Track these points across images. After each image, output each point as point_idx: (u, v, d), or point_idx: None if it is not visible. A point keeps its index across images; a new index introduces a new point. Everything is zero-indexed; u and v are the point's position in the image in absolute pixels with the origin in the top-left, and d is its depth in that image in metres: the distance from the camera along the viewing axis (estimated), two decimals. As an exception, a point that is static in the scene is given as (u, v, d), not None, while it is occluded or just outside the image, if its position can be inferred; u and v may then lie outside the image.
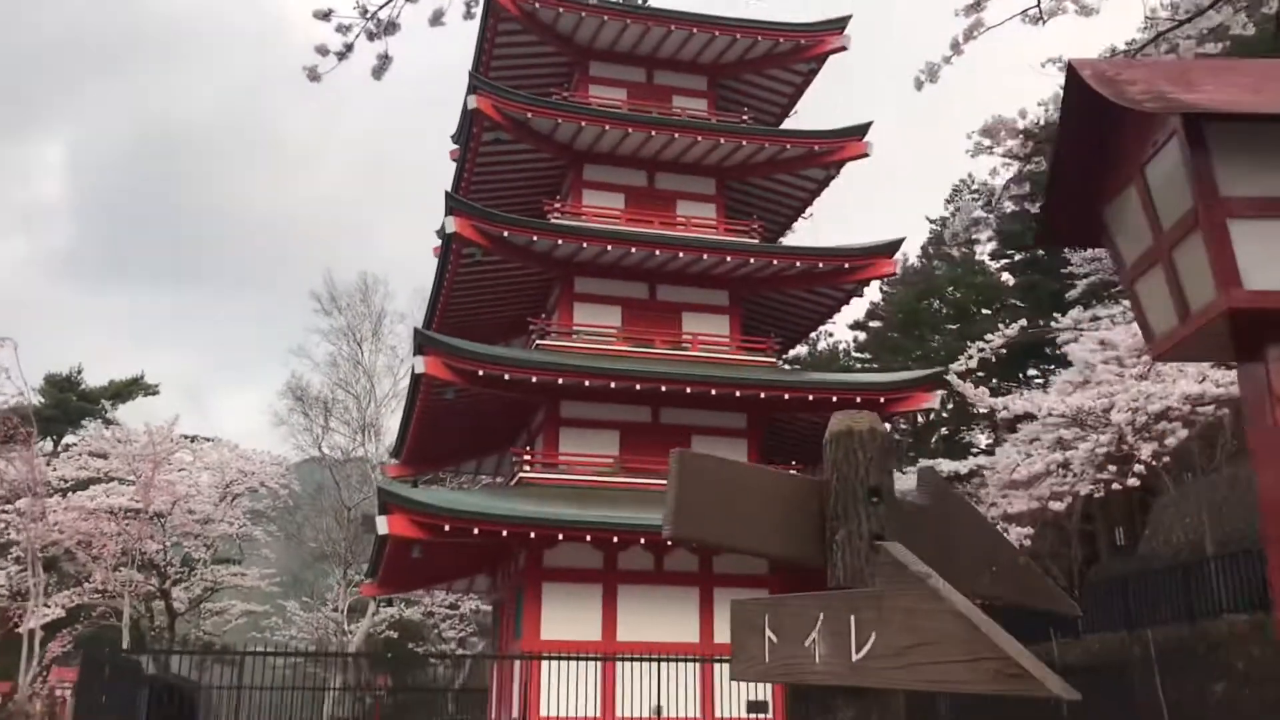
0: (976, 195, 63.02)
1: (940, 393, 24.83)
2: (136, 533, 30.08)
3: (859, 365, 54.72)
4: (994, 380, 47.68)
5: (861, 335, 58.46)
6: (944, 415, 46.89)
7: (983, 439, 51.00)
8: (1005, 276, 55.95)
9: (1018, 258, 55.01)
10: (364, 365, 43.55)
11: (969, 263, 57.81)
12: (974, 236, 62.00)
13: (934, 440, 50.81)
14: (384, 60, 6.81)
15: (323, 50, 6.57)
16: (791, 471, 2.92)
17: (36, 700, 26.95)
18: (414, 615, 44.00)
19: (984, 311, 52.81)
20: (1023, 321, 20.00)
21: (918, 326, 54.69)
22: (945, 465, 33.02)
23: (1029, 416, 40.05)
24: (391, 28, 6.85)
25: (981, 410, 48.28)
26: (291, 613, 43.94)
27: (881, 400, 24.08)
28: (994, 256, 58.01)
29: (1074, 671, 19.09)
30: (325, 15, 6.56)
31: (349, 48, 6.63)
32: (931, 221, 59.81)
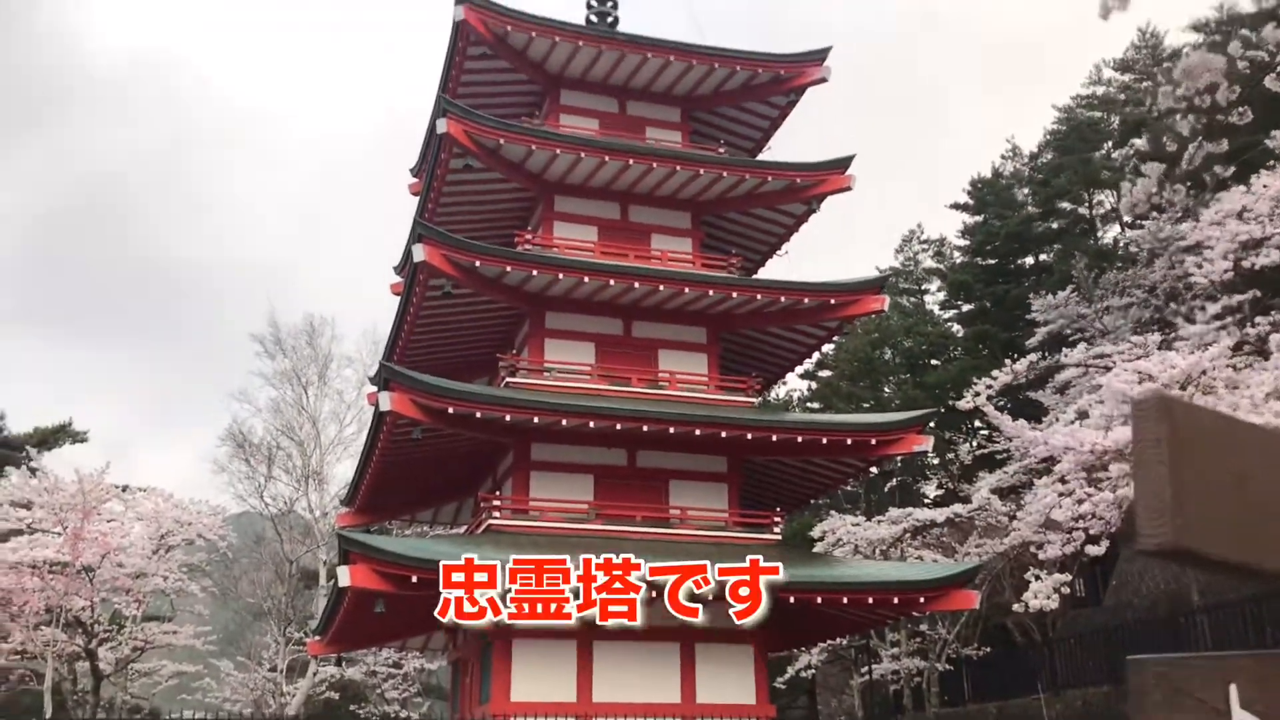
0: (926, 246, 63.13)
1: (931, 437, 23.79)
2: (62, 588, 27.76)
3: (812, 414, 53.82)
4: (944, 430, 47.27)
5: (813, 385, 57.78)
6: (897, 464, 46.19)
7: (932, 489, 50.43)
8: (955, 327, 55.90)
9: (966, 308, 54.97)
10: (309, 411, 41.71)
11: (920, 312, 57.70)
12: (923, 286, 62.02)
13: (888, 488, 50.11)
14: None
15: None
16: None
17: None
18: (355, 675, 41.71)
19: (934, 361, 52.54)
20: (1032, 356, 19.19)
21: (870, 375, 54.16)
22: (920, 514, 32.12)
23: (991, 463, 39.43)
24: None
25: (933, 457, 47.68)
26: (226, 673, 41.34)
27: (873, 442, 22.99)
28: (943, 306, 58.01)
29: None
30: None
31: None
32: (881, 270, 59.62)
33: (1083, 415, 18.99)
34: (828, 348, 53.73)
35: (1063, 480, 17.15)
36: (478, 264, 22.55)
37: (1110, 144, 49.44)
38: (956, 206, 54.87)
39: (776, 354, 27.26)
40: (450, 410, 21.07)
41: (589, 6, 28.67)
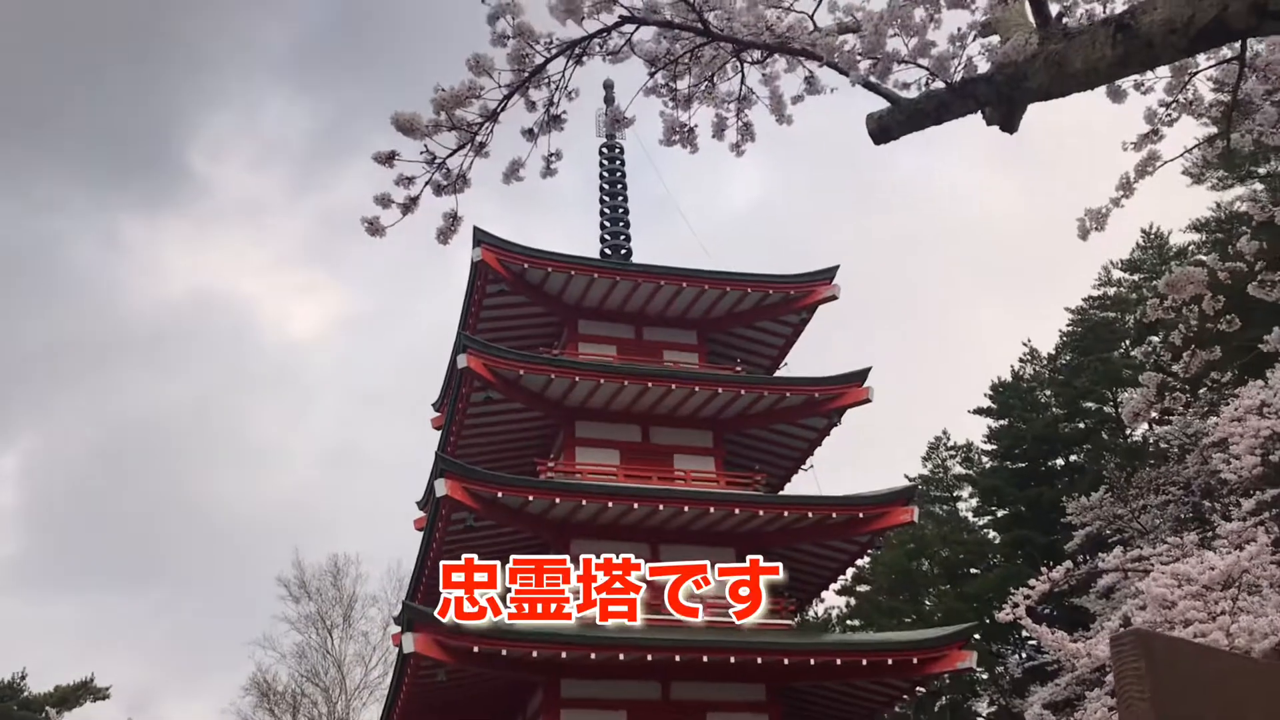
0: (953, 452, 62.67)
1: (975, 652, 22.91)
2: None
3: (853, 632, 52.18)
4: (990, 642, 45.66)
5: (851, 600, 56.24)
6: (945, 682, 44.36)
7: (984, 706, 48.19)
8: (991, 533, 54.76)
9: (1000, 513, 53.95)
10: (334, 654, 40.83)
11: (954, 520, 56.65)
12: (955, 493, 61.20)
13: (937, 708, 48.00)
14: (452, 221, 5.62)
15: (383, 201, 5.35)
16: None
17: None
18: None
19: (973, 570, 51.28)
20: (1068, 563, 18.75)
21: (909, 588, 52.82)
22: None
23: (1042, 676, 37.76)
24: (462, 181, 5.65)
25: (981, 672, 45.78)
26: None
27: (915, 661, 22.13)
28: (977, 512, 56.92)
29: None
30: (388, 159, 5.38)
31: (414, 200, 5.41)
32: (910, 479, 58.96)
33: (1126, 622, 18.38)
34: (864, 561, 52.66)
35: (1113, 694, 16.32)
36: (500, 495, 22.50)
37: (1128, 342, 49.76)
38: (980, 411, 54.72)
39: (811, 572, 26.65)
40: (475, 649, 20.51)
41: (602, 240, 29.73)
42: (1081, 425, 49.61)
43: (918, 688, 25.29)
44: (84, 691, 42.48)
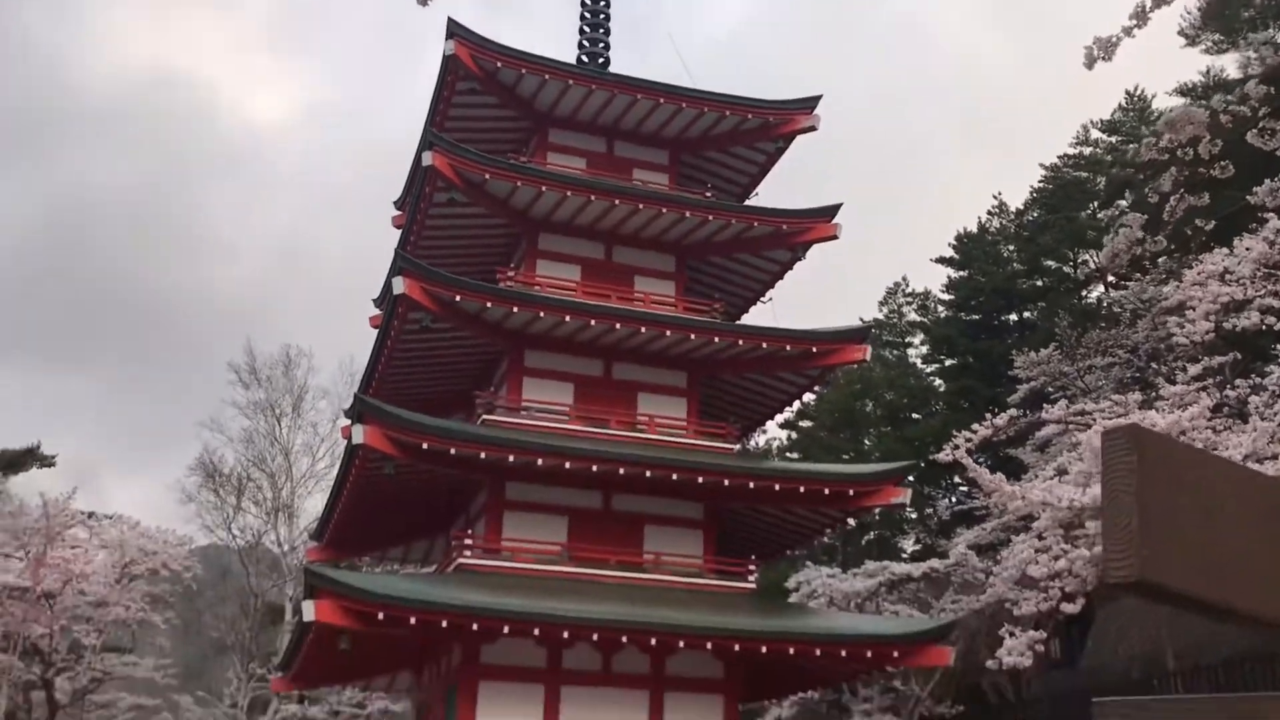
0: (910, 299, 63.15)
1: (909, 490, 23.56)
2: (21, 615, 27.13)
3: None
4: (923, 485, 47.13)
5: (793, 434, 57.48)
6: (875, 517, 45.92)
7: (909, 544, 50.15)
8: (937, 381, 55.75)
9: (949, 362, 54.84)
10: (281, 442, 41.29)
11: (903, 365, 57.56)
12: (907, 339, 61.95)
13: (864, 542, 49.84)
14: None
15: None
16: None
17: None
18: (318, 714, 40.86)
19: (915, 415, 52.39)
20: (1013, 411, 19.09)
21: (851, 427, 53.96)
22: (896, 568, 31.81)
23: (969, 520, 39.21)
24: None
25: (911, 512, 47.47)
26: (185, 708, 40.49)
27: (851, 493, 22.75)
28: (926, 360, 57.84)
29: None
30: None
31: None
32: (865, 322, 59.53)
33: (1062, 473, 18.93)
34: (809, 397, 53.47)
35: (1040, 537, 17.01)
36: (458, 299, 22.34)
37: (1096, 204, 49.72)
38: (942, 260, 54.85)
39: (757, 401, 27.04)
40: (424, 446, 20.75)
41: (580, 46, 28.75)
42: (1040, 283, 49.99)
43: (849, 519, 26.12)
44: (30, 458, 42.68)
